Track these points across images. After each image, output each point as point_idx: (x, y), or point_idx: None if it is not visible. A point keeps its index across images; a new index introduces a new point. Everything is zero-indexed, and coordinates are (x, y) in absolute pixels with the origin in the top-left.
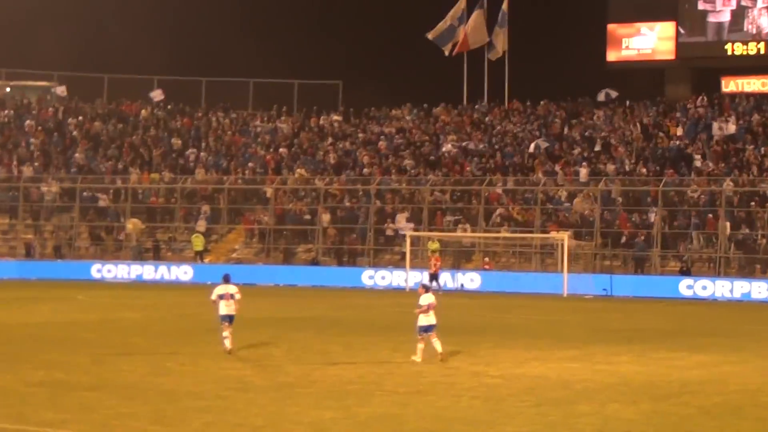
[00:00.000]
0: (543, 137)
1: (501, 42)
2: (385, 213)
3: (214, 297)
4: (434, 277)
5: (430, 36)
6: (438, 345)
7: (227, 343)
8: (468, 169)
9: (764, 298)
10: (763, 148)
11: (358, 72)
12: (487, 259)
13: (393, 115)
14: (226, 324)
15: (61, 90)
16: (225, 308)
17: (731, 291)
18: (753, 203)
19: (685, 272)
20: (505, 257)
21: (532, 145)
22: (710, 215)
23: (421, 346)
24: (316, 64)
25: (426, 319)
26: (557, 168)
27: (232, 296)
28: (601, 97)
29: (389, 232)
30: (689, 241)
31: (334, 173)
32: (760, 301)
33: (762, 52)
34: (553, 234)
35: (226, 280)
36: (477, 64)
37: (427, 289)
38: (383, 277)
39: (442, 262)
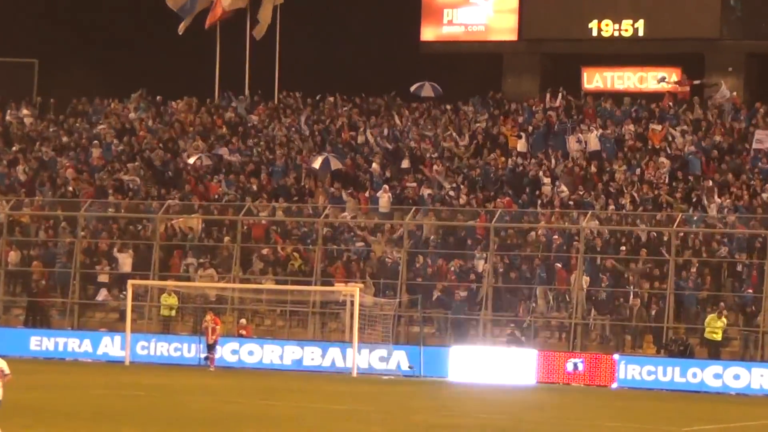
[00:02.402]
0: (332, 150)
1: (268, 12)
2: (98, 251)
3: None
4: (212, 347)
5: (170, 3)
6: None
7: None
8: (219, 189)
9: (637, 382)
10: (639, 170)
11: (61, 47)
12: (243, 321)
13: (112, 110)
14: None
15: None
16: None
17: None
18: (623, 248)
19: (515, 342)
20: (270, 319)
21: (319, 160)
22: (559, 265)
23: None
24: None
25: None
26: (347, 193)
27: None
28: (418, 92)
29: (103, 278)
30: (532, 301)
31: (25, 193)
32: (630, 387)
33: (641, 33)
34: (339, 287)
35: None
36: (236, 41)
37: None
38: (94, 345)
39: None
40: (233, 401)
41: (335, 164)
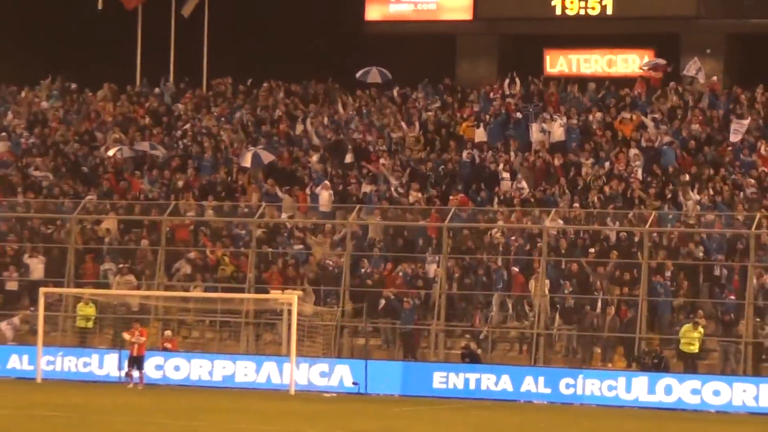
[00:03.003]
0: (267, 143)
1: None
2: (6, 255)
3: None
4: (138, 361)
5: None
6: None
7: None
8: (142, 186)
9: (609, 399)
10: (607, 163)
11: None
12: (168, 332)
13: (24, 99)
14: None
15: None
16: None
17: (553, 389)
18: (592, 249)
19: (471, 358)
20: (198, 330)
21: (248, 157)
22: (515, 269)
23: None
24: None
25: None
26: (284, 190)
27: None
28: (364, 79)
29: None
30: (490, 309)
31: None
32: (601, 405)
33: (609, 11)
34: (275, 295)
35: None
36: (160, 22)
37: None
38: (1, 360)
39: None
40: (157, 422)
41: (267, 157)
